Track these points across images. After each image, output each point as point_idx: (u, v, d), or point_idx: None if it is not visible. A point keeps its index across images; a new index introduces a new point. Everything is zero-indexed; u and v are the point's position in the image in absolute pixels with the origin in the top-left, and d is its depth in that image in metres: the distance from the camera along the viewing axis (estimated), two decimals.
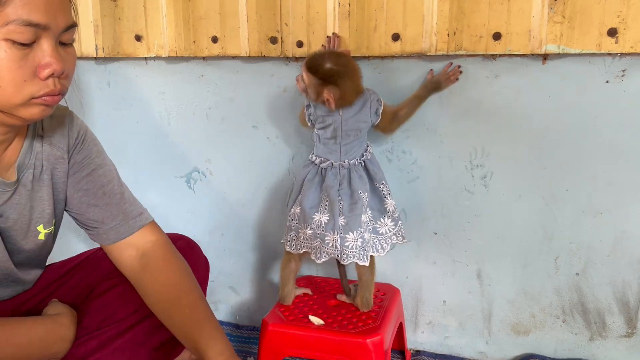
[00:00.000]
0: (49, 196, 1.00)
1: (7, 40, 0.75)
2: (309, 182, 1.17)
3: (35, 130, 0.98)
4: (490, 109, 1.20)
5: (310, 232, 1.14)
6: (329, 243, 1.12)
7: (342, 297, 1.25)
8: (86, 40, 1.40)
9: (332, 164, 1.15)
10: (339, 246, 1.11)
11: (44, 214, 1.00)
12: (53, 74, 0.80)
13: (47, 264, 1.13)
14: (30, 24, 0.76)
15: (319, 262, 1.13)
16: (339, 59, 1.11)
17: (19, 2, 0.75)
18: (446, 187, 1.27)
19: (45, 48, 0.79)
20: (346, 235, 1.11)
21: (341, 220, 1.11)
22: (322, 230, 1.13)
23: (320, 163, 1.17)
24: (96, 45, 1.40)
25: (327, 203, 1.14)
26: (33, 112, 0.82)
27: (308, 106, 1.19)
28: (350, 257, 1.11)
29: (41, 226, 1.00)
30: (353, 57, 1.21)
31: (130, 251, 1.04)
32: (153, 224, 1.06)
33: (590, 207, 1.18)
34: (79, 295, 1.10)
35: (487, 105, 1.20)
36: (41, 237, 1.00)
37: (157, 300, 1.01)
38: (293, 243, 1.18)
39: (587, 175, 1.17)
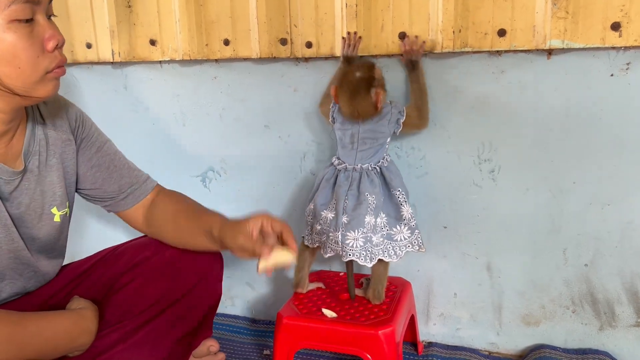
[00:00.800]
0: (60, 179, 1.05)
1: (12, 21, 0.80)
2: (326, 181, 1.22)
3: (34, 118, 1.02)
4: (496, 104, 1.22)
5: (319, 227, 1.19)
6: (332, 239, 1.17)
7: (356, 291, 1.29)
8: (103, 46, 1.45)
9: (347, 167, 1.20)
10: (339, 243, 1.15)
11: (56, 197, 1.04)
12: (57, 44, 0.86)
13: (65, 262, 1.18)
14: (27, 1, 0.81)
15: (325, 256, 1.19)
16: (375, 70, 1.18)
17: None
18: (455, 181, 1.29)
19: (43, 23, 0.85)
20: (347, 233, 1.15)
21: (344, 219, 1.15)
22: (328, 227, 1.17)
23: (338, 165, 1.22)
24: (112, 50, 1.45)
25: (334, 202, 1.17)
26: (48, 88, 0.88)
27: (335, 104, 1.23)
28: (350, 255, 1.15)
29: (55, 208, 1.04)
30: (360, 55, 1.24)
31: (142, 209, 1.17)
32: (157, 183, 1.21)
33: (597, 199, 1.20)
34: (100, 291, 1.14)
35: (494, 100, 1.22)
36: (57, 219, 1.05)
37: (169, 225, 1.14)
38: (308, 237, 1.25)
39: (594, 167, 1.18)
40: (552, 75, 1.17)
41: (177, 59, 1.40)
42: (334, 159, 1.24)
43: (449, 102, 1.25)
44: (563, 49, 1.12)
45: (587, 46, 1.09)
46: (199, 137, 1.49)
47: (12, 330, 0.86)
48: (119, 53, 1.45)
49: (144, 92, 1.51)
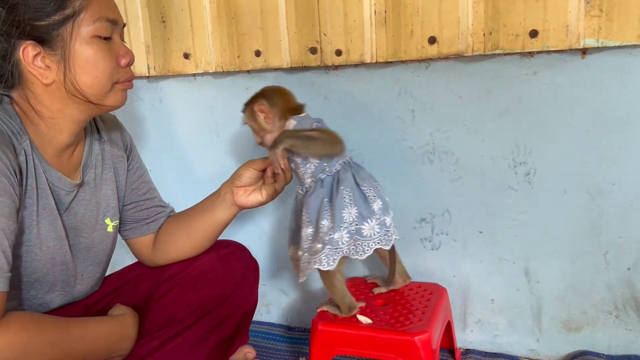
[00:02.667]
0: (114, 192, 1.11)
1: (94, 37, 0.91)
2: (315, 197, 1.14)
3: (92, 134, 1.08)
4: (530, 106, 1.20)
5: (343, 233, 1.08)
6: (367, 233, 1.08)
7: (378, 289, 1.28)
8: (139, 61, 1.49)
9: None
10: (385, 229, 1.09)
11: (110, 208, 1.10)
12: (129, 62, 0.97)
13: (109, 273, 1.21)
14: (108, 20, 0.93)
15: (364, 257, 1.07)
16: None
17: (96, 3, 0.91)
18: (490, 185, 1.28)
19: (118, 42, 0.96)
20: (386, 218, 1.10)
21: (379, 204, 1.09)
22: (356, 224, 1.08)
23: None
24: (148, 65, 1.49)
25: (345, 199, 1.09)
26: (117, 98, 0.98)
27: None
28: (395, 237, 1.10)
29: (108, 219, 1.10)
30: (389, 62, 1.24)
31: (155, 234, 1.21)
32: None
33: (638, 200, 1.16)
34: (141, 299, 1.17)
35: (527, 102, 1.20)
36: (110, 229, 1.10)
37: (173, 232, 1.18)
38: (330, 256, 1.08)
39: (633, 167, 1.15)
40: (586, 75, 1.15)
41: (210, 72, 1.43)
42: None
43: (481, 105, 1.24)
44: (598, 47, 1.10)
45: (623, 44, 1.07)
46: (233, 148, 1.52)
47: (58, 336, 0.89)
48: (154, 67, 1.49)
49: (179, 105, 1.55)
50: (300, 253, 1.12)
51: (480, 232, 1.31)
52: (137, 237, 1.19)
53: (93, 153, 1.08)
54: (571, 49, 1.13)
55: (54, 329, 0.90)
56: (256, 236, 1.55)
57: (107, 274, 1.21)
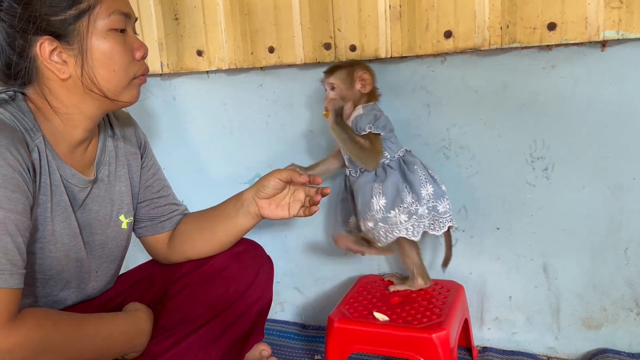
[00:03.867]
0: (127, 189, 1.11)
1: (110, 30, 0.91)
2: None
3: (106, 131, 1.08)
4: (548, 100, 1.19)
5: (423, 207, 1.18)
6: (432, 214, 1.18)
7: (395, 287, 1.28)
8: (152, 58, 1.49)
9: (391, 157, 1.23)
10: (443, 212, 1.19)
11: (124, 205, 1.10)
12: (144, 55, 0.97)
13: (122, 271, 1.21)
14: (123, 14, 0.93)
15: (441, 232, 1.18)
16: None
17: None
18: (507, 181, 1.26)
19: (132, 35, 0.97)
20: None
21: (432, 188, 1.18)
22: (429, 202, 1.19)
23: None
24: (161, 62, 1.49)
25: (409, 187, 1.18)
26: (133, 93, 0.98)
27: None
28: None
29: (123, 216, 1.10)
30: (404, 57, 1.23)
31: (170, 232, 1.20)
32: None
33: None
34: (154, 297, 1.17)
35: (545, 96, 1.19)
36: (124, 226, 1.10)
37: (194, 233, 1.17)
38: (412, 229, 1.17)
39: None
40: (606, 67, 1.13)
41: (223, 69, 1.43)
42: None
43: (498, 99, 1.22)
44: (618, 40, 1.08)
45: None
46: (247, 145, 1.51)
47: (73, 332, 0.89)
48: (168, 65, 1.49)
49: (193, 102, 1.55)
50: (370, 224, 1.17)
51: (498, 229, 1.30)
52: (151, 234, 1.19)
53: (107, 150, 1.07)
54: (590, 42, 1.11)
55: (69, 324, 0.90)
56: (270, 235, 1.55)
57: (121, 272, 1.21)
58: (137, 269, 1.24)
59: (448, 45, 1.19)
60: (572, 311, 1.27)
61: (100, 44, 0.91)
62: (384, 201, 1.16)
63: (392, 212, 1.15)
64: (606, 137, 1.16)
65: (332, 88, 1.21)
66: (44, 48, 0.89)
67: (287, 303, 1.59)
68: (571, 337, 1.28)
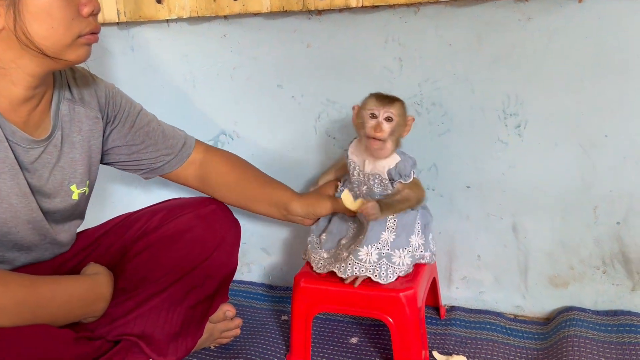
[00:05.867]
0: (82, 157, 1.03)
1: None
2: None
3: (62, 92, 0.99)
4: (523, 54, 1.14)
5: None
6: None
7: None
8: (108, 5, 1.39)
9: None
10: None
11: (76, 174, 1.02)
12: (93, 11, 0.87)
13: (81, 229, 1.15)
14: None
15: None
16: None
17: None
18: (478, 138, 1.23)
19: None
20: None
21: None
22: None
23: None
24: (118, 10, 1.39)
25: None
26: (79, 53, 0.89)
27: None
28: None
29: (74, 186, 1.02)
30: (376, 6, 1.17)
31: (190, 170, 1.20)
32: (197, 142, 1.22)
33: (632, 153, 1.13)
34: (114, 257, 1.12)
35: (520, 50, 1.14)
36: (74, 197, 1.03)
37: (230, 189, 1.20)
38: None
39: (629, 119, 1.11)
40: (583, 21, 1.09)
41: (184, 17, 1.34)
42: None
43: (471, 53, 1.18)
44: None
45: None
46: (210, 99, 1.44)
47: (25, 294, 0.84)
48: (125, 12, 1.39)
49: (152, 54, 1.46)
50: (373, 252, 1.06)
51: (468, 187, 1.27)
52: (158, 175, 1.20)
53: (60, 113, 0.98)
54: None
55: (21, 286, 0.84)
56: None
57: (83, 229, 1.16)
58: (95, 229, 1.18)
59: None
60: (540, 270, 1.27)
61: None
62: (393, 237, 1.08)
63: (397, 252, 1.08)
64: (581, 93, 1.13)
65: (389, 119, 1.05)
66: None
67: (253, 264, 1.56)
68: (538, 296, 1.28)
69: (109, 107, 1.08)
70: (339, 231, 1.16)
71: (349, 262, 1.06)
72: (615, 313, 1.21)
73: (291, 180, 1.42)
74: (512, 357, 1.13)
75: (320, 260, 1.13)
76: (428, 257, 1.13)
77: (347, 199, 1.08)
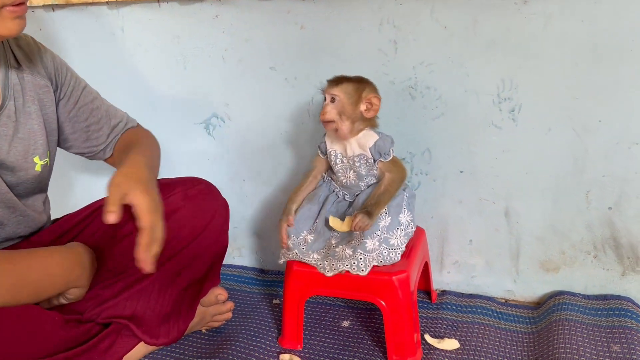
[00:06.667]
0: (40, 127, 1.00)
1: None
2: None
3: (8, 62, 0.96)
4: (518, 37, 1.14)
5: None
6: None
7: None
8: None
9: None
10: None
11: (37, 145, 1.00)
12: None
13: (68, 213, 1.13)
14: None
15: None
16: None
17: None
18: (472, 122, 1.22)
19: None
20: None
21: None
22: None
23: None
24: None
25: None
26: (9, 26, 0.83)
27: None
28: None
29: (37, 157, 1.00)
30: None
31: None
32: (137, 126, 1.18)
33: (625, 138, 1.13)
34: (102, 239, 1.10)
35: (515, 33, 1.14)
36: (37, 168, 1.01)
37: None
38: None
39: (622, 103, 1.11)
40: (579, 4, 1.08)
41: None
42: None
43: (467, 37, 1.17)
44: None
45: None
46: (201, 81, 1.42)
47: (4, 270, 0.82)
48: None
49: (143, 34, 1.43)
50: (375, 241, 1.06)
51: (461, 172, 1.27)
52: (100, 159, 1.16)
53: (10, 83, 0.95)
54: None
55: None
56: (228, 178, 1.48)
57: (62, 215, 1.14)
58: (81, 210, 1.16)
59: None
60: (532, 254, 1.27)
61: None
62: (389, 220, 1.08)
63: (392, 233, 1.08)
64: (576, 78, 1.13)
65: (333, 100, 1.07)
66: None
67: (245, 248, 1.55)
68: (529, 280, 1.29)
69: (56, 76, 1.05)
70: (324, 230, 1.14)
71: (360, 257, 1.05)
72: (605, 297, 1.22)
73: (284, 164, 1.42)
74: (503, 341, 1.14)
75: (318, 261, 1.10)
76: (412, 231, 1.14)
77: (336, 224, 1.10)
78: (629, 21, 1.06)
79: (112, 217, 0.86)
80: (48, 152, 1.03)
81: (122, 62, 1.46)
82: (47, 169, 1.05)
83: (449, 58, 1.19)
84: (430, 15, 1.18)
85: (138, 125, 1.19)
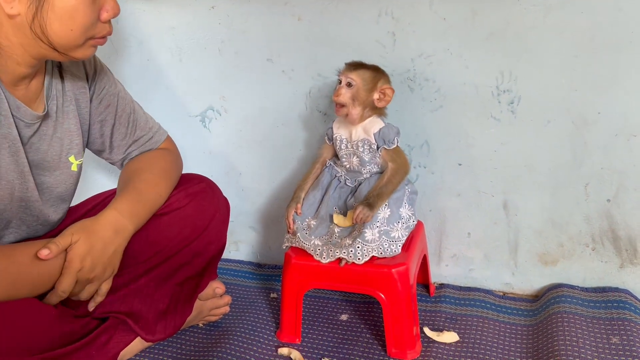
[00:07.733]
0: (77, 127, 1.02)
1: None
2: None
3: (52, 63, 0.97)
4: (517, 29, 1.13)
5: None
6: None
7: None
8: None
9: None
10: None
11: (73, 145, 1.01)
12: (112, 16, 0.87)
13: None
14: None
15: None
16: None
17: None
18: (471, 115, 1.22)
19: None
20: None
21: None
22: None
23: None
24: None
25: None
26: (86, 53, 0.88)
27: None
28: None
29: (72, 157, 1.02)
30: None
31: None
32: (166, 140, 1.16)
33: (623, 130, 1.13)
34: None
35: (515, 25, 1.13)
36: (74, 168, 1.02)
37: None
38: None
39: (621, 95, 1.11)
40: None
41: None
42: None
43: (466, 29, 1.16)
44: None
45: None
46: (197, 74, 1.41)
47: (6, 265, 0.81)
48: None
49: (138, 26, 1.41)
50: (375, 232, 1.06)
51: (459, 165, 1.26)
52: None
53: (54, 84, 0.97)
54: None
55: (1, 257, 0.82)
56: (224, 172, 1.47)
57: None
58: (83, 203, 1.15)
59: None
60: (530, 247, 1.27)
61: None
62: (389, 213, 1.09)
63: (393, 226, 1.08)
64: (575, 69, 1.12)
65: (349, 85, 1.08)
66: None
67: (242, 242, 1.54)
68: (527, 273, 1.29)
69: (93, 80, 1.05)
70: (327, 216, 1.13)
71: (358, 246, 1.05)
72: (603, 290, 1.22)
73: (281, 158, 1.41)
74: (501, 334, 1.14)
75: (317, 247, 1.10)
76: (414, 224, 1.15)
77: (339, 220, 1.11)
78: (628, 13, 1.06)
79: (45, 253, 0.85)
80: (83, 152, 1.04)
81: (116, 55, 1.45)
82: (80, 170, 1.05)
83: (447, 50, 1.19)
84: (429, 6, 1.17)
85: (167, 139, 1.16)
